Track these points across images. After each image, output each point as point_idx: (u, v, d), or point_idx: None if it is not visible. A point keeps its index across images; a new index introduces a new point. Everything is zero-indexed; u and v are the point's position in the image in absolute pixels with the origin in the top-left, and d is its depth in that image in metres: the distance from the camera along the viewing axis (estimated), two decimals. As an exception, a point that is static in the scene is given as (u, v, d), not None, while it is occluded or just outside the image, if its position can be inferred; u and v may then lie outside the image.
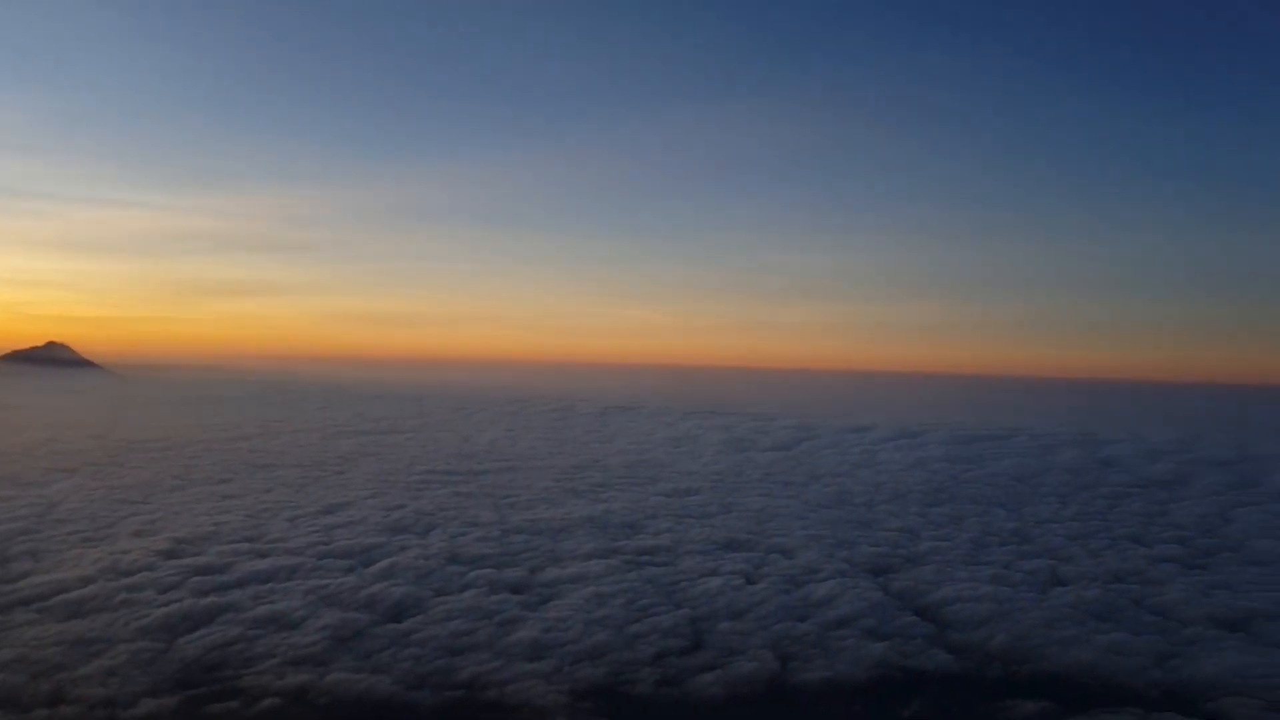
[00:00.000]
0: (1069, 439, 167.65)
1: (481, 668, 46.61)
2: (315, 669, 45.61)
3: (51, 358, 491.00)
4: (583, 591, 59.71)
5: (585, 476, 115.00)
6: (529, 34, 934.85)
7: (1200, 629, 56.35)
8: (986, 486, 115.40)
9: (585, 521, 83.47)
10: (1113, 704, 45.00)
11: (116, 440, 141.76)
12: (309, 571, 63.23)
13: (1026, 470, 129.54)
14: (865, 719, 44.01)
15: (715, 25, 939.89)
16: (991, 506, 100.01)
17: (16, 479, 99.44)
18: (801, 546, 75.67)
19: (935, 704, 45.43)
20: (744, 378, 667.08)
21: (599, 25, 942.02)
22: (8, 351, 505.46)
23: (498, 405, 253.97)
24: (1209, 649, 52.74)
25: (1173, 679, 48.50)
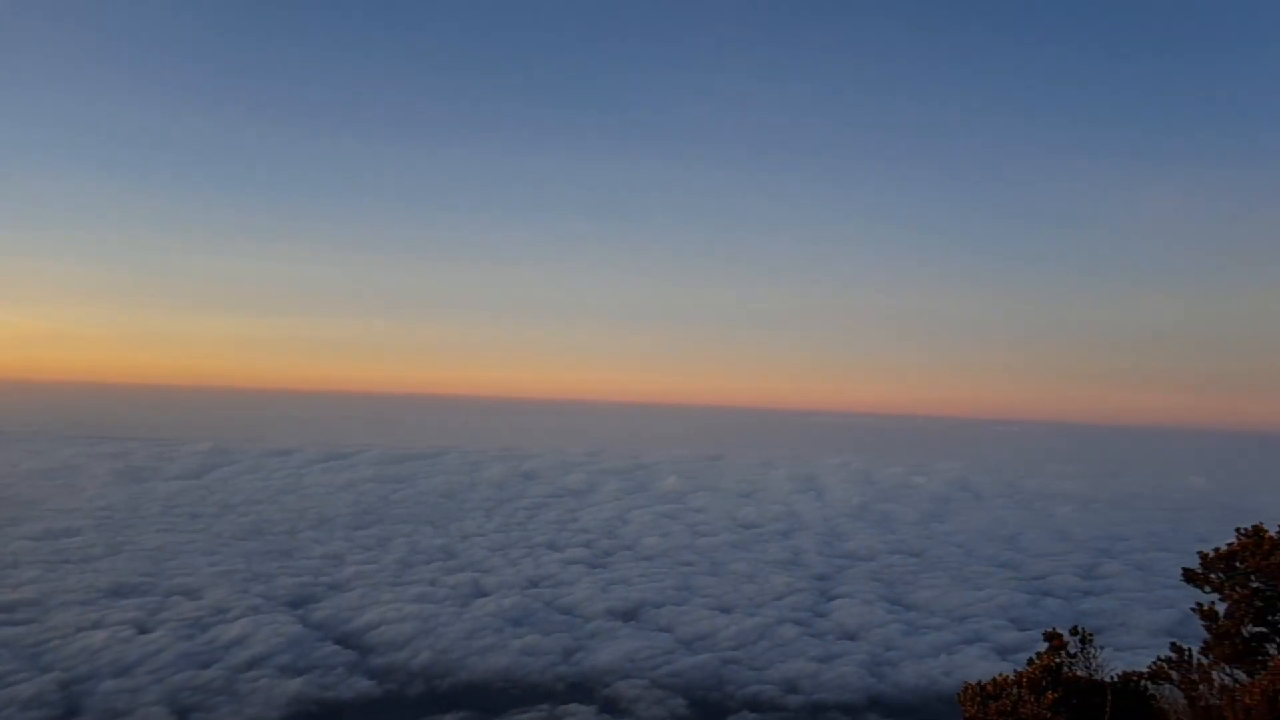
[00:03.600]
0: (495, 455, 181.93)
1: None
2: None
3: None
4: (-101, 670, 48.13)
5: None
6: None
7: (600, 622, 65.13)
8: (416, 505, 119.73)
9: (-92, 580, 67.50)
10: (525, 703, 49.66)
11: None
12: None
13: (455, 487, 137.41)
14: (278, 764, 42.28)
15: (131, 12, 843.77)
16: (420, 525, 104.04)
17: None
18: (210, 585, 70.50)
19: (355, 733, 45.51)
20: (146, 396, 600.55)
21: None
22: None
23: None
24: (607, 639, 61.14)
25: (576, 671, 55.20)
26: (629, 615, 67.74)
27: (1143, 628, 70.50)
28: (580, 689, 52.46)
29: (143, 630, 58.01)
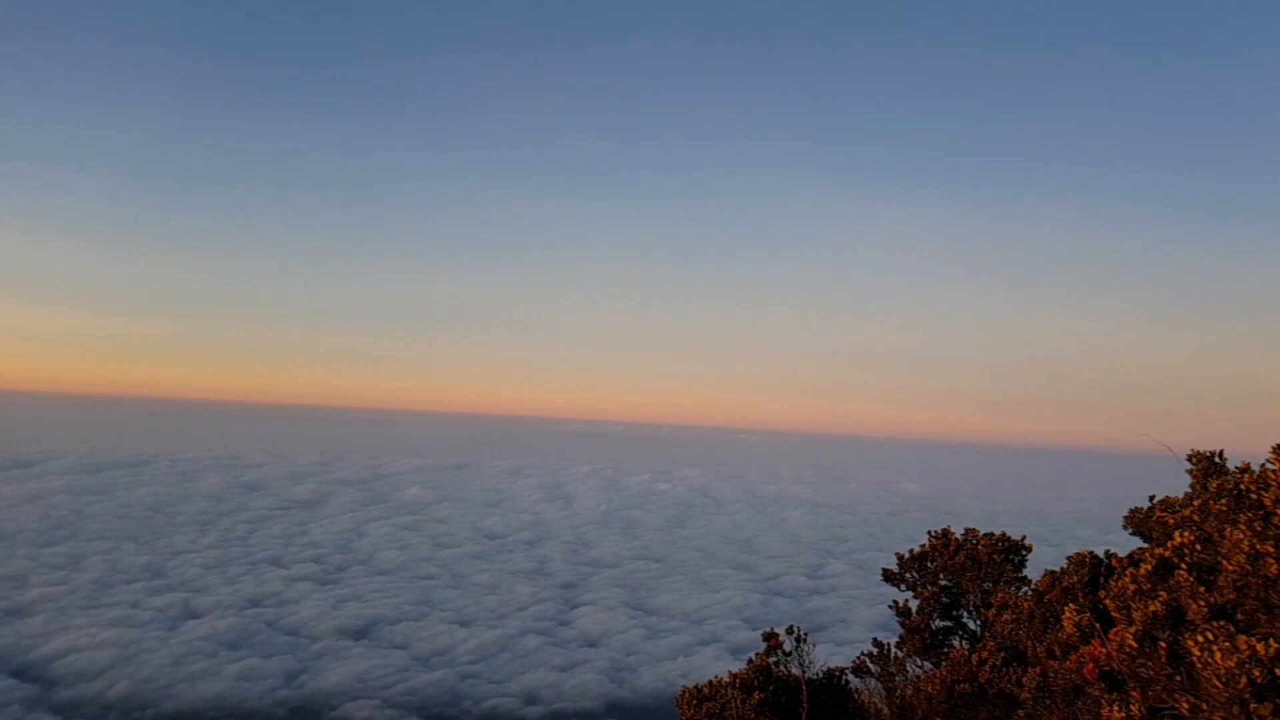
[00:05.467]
0: (213, 463, 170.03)
1: None
2: None
3: None
4: None
5: None
6: None
7: (329, 642, 62.69)
8: (116, 519, 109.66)
9: None
10: (241, 732, 46.96)
11: None
12: None
13: (164, 499, 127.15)
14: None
15: None
16: (121, 541, 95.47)
17: None
18: None
19: (34, 781, 41.14)
20: None
21: None
22: None
23: None
24: (336, 659, 58.95)
25: (300, 694, 52.84)
26: (361, 633, 65.74)
27: (861, 623, 77.16)
28: (304, 713, 50.41)
29: None
